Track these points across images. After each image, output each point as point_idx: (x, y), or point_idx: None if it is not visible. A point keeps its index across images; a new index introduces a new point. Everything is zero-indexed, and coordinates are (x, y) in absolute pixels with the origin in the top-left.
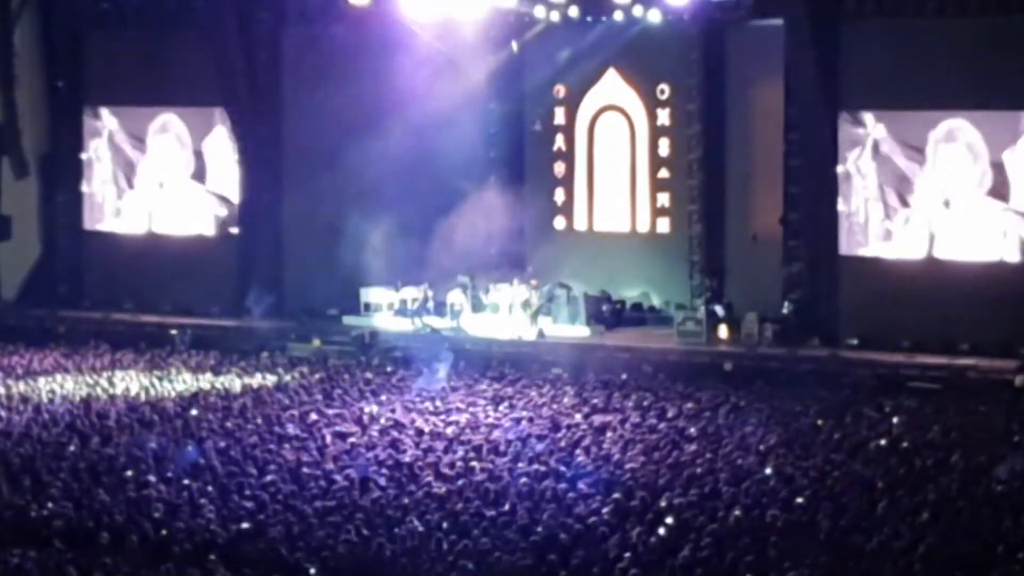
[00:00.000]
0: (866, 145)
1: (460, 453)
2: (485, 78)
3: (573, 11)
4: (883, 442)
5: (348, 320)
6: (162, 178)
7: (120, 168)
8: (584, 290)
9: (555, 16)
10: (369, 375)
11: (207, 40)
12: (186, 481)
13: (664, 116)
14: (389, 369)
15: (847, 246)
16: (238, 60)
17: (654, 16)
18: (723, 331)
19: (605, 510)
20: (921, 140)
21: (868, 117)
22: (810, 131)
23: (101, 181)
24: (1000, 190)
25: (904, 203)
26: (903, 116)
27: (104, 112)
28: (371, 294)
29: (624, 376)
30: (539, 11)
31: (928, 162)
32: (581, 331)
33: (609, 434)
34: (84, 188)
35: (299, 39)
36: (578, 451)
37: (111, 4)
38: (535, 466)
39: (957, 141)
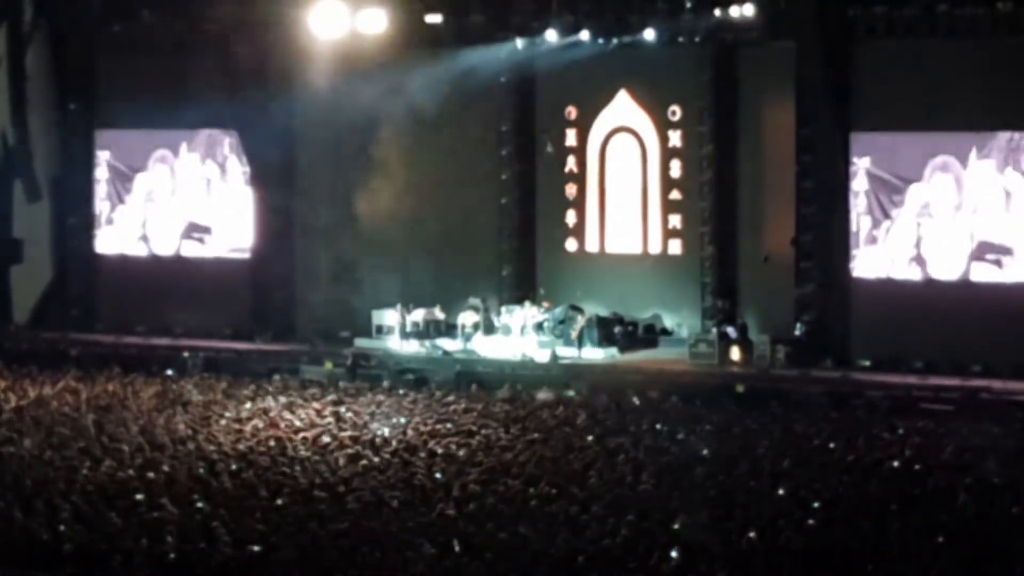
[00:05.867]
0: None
1: (473, 475)
2: (498, 101)
3: (584, 33)
4: (896, 464)
5: (360, 343)
6: (171, 200)
7: (116, 190)
8: (596, 312)
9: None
10: (381, 397)
11: (219, 63)
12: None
13: (676, 137)
14: (402, 391)
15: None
16: (250, 83)
17: (665, 37)
18: (735, 353)
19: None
20: (920, 160)
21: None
22: (822, 152)
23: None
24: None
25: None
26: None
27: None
28: (383, 316)
29: (636, 398)
30: (550, 35)
31: (923, 181)
32: (593, 353)
33: (621, 456)
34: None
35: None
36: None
37: (123, 27)
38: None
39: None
